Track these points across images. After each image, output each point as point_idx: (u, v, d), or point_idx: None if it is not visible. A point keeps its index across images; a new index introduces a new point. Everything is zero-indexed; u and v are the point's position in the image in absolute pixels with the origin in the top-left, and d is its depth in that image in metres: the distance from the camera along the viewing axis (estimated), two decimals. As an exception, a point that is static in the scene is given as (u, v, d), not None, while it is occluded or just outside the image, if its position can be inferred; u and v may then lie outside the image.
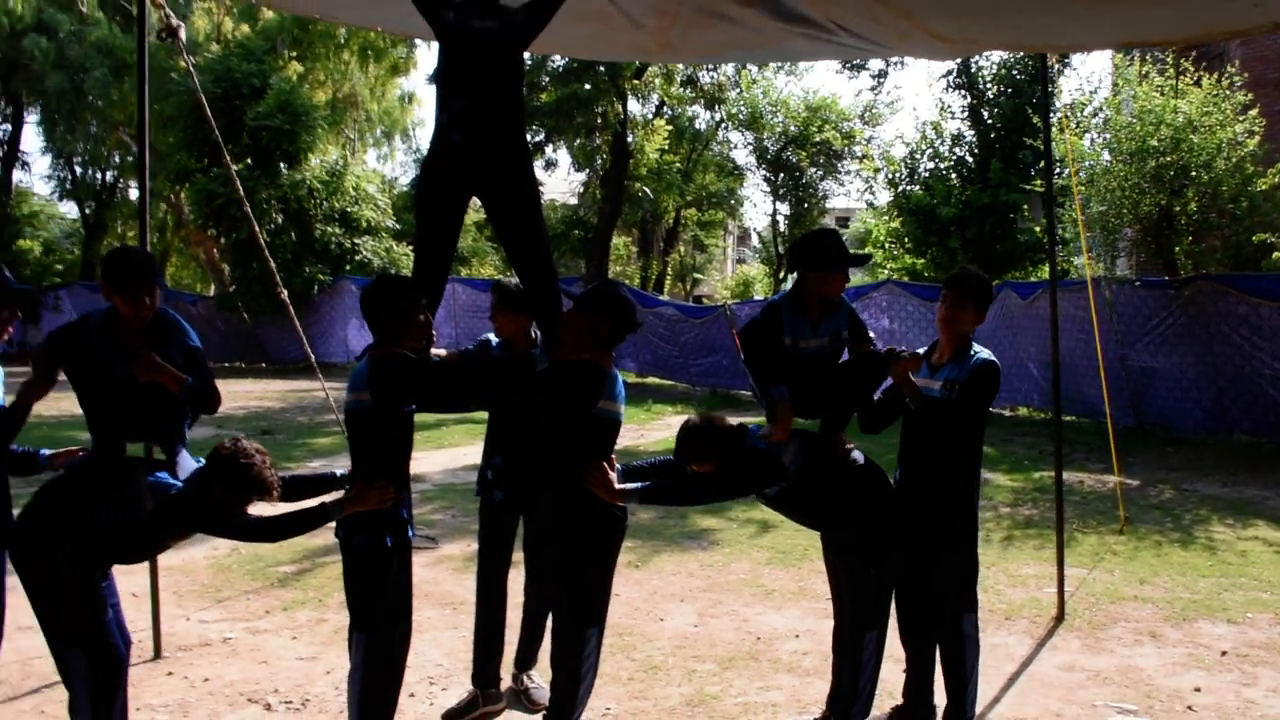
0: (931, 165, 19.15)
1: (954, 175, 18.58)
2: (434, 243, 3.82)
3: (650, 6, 4.81)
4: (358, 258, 23.28)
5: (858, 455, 4.01)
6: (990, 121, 18.46)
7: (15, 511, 3.71)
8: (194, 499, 3.38)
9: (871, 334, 4.24)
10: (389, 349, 3.50)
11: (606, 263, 23.50)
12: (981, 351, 4.06)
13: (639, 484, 3.72)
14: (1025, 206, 17.52)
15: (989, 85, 18.47)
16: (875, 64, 21.83)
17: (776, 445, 3.83)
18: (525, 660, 4.62)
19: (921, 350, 4.21)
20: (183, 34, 5.27)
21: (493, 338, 4.57)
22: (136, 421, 3.49)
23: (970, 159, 18.62)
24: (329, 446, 12.16)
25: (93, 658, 3.35)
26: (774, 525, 7.83)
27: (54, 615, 3.35)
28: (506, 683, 4.59)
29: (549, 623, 4.33)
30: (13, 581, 3.70)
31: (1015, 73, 17.96)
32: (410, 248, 24.64)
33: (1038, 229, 16.97)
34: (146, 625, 5.08)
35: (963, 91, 18.75)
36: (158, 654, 5.04)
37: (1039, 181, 16.27)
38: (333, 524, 3.50)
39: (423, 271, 3.79)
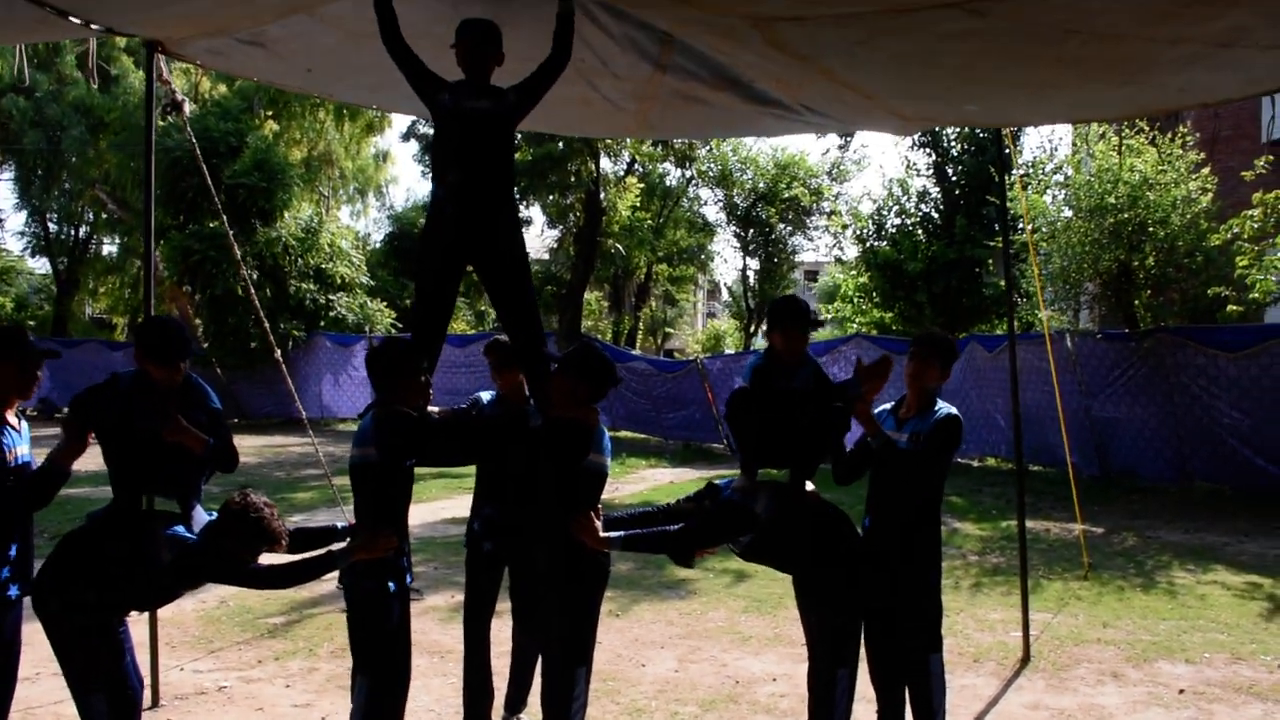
0: (898, 221, 19.67)
1: (920, 231, 19.09)
2: (431, 308, 4.08)
3: (630, 93, 5.14)
4: (332, 314, 23.39)
5: (824, 503, 4.24)
6: (955, 179, 19.03)
7: (37, 563, 3.89)
8: (208, 550, 3.58)
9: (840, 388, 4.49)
10: (392, 406, 3.72)
11: (579, 318, 23.78)
12: (946, 406, 4.34)
13: (620, 532, 3.94)
14: (990, 261, 18.04)
15: (953, 144, 19.06)
16: (847, 132, 22.44)
17: (747, 496, 4.07)
18: (515, 703, 4.81)
19: (889, 405, 4.51)
20: (187, 108, 5.52)
21: (484, 396, 4.81)
22: (159, 478, 3.68)
23: (936, 215, 19.16)
24: (308, 501, 12.25)
25: (113, 700, 3.54)
26: (749, 575, 8.03)
27: (76, 659, 3.53)
28: (498, 727, 4.76)
29: (537, 666, 4.55)
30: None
31: (979, 132, 18.56)
32: (384, 303, 24.88)
33: (1002, 283, 17.45)
34: (145, 675, 5.19)
35: (928, 150, 19.32)
36: (155, 703, 5.17)
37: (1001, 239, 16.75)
38: (325, 577, 3.70)
39: (421, 335, 4.03)
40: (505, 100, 4.01)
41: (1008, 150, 6.67)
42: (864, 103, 4.88)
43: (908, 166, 19.92)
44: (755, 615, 7.10)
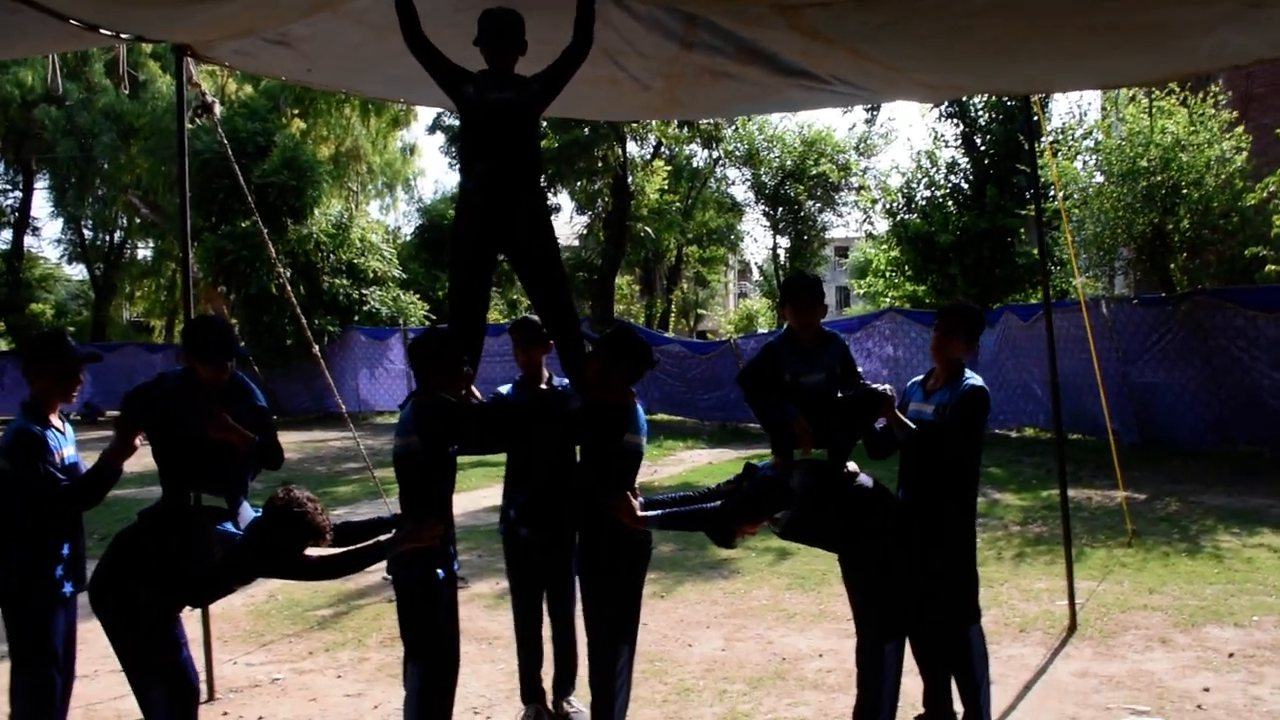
0: (928, 194, 19.48)
1: (950, 202, 18.90)
2: (467, 299, 4.13)
3: (657, 71, 5.15)
4: (365, 308, 23.54)
5: (864, 479, 4.25)
6: (984, 148, 18.83)
7: (90, 562, 4.00)
8: (256, 545, 3.65)
9: (860, 369, 4.50)
10: (432, 394, 3.78)
11: (611, 303, 23.82)
12: (972, 378, 4.34)
13: (659, 512, 3.98)
14: (1022, 230, 17.85)
15: (981, 113, 18.85)
16: (876, 103, 22.22)
17: (784, 472, 4.09)
18: (563, 686, 4.86)
19: (919, 378, 4.53)
20: (217, 110, 5.59)
21: (503, 389, 4.85)
22: (207, 475, 3.75)
23: (966, 186, 18.97)
24: (350, 494, 12.40)
25: (174, 693, 3.64)
26: (792, 553, 8.05)
27: (135, 654, 3.63)
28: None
29: (579, 651, 4.64)
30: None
31: (1007, 100, 18.32)
32: (417, 296, 25.01)
33: (1035, 252, 17.27)
34: (200, 669, 5.30)
35: (955, 120, 19.12)
36: (211, 696, 5.27)
37: (1034, 206, 16.57)
38: (371, 568, 3.77)
39: (460, 326, 4.09)
40: (529, 90, 4.04)
41: (1036, 118, 6.59)
42: (891, 75, 4.86)
43: (935, 138, 19.72)
44: (799, 592, 7.13)
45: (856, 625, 4.33)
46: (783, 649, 5.90)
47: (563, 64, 4.11)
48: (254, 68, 5.71)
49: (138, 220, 30.91)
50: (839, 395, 4.30)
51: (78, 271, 37.43)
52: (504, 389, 4.84)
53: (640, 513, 3.88)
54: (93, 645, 3.68)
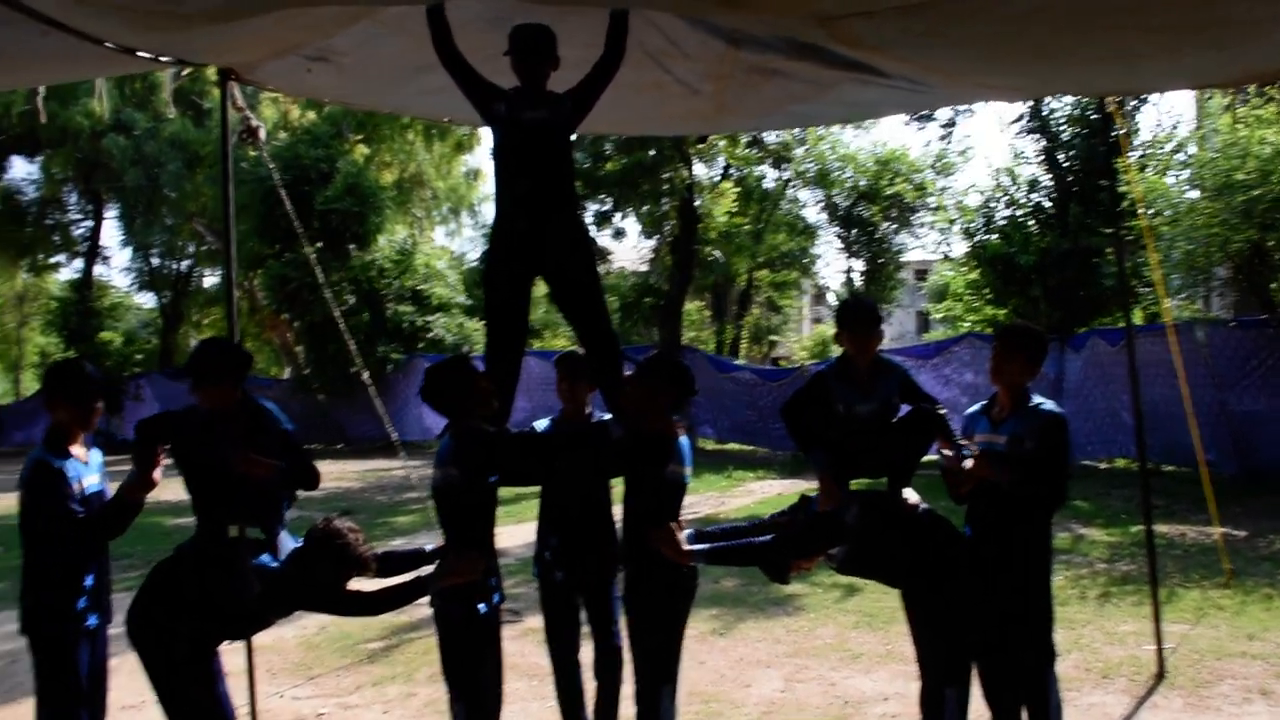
0: (1008, 213, 18.91)
1: (1032, 221, 18.31)
2: (504, 321, 3.98)
3: (704, 72, 4.94)
4: (430, 335, 23.57)
5: (925, 510, 3.96)
6: (1066, 165, 18.21)
7: (112, 594, 3.89)
8: (296, 578, 3.51)
9: (933, 398, 4.18)
10: (468, 423, 3.61)
11: (679, 329, 23.53)
12: (1045, 403, 4.02)
13: (707, 545, 3.76)
14: (1108, 250, 17.19)
15: (1062, 127, 18.24)
16: (944, 113, 21.75)
17: (839, 507, 3.83)
18: None
19: (978, 407, 4.21)
20: (262, 134, 5.54)
21: (539, 424, 4.64)
22: (240, 506, 3.64)
23: (1048, 204, 18.37)
24: (410, 524, 12.33)
25: None
26: (860, 589, 7.69)
27: (170, 688, 3.53)
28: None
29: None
30: (115, 662, 3.87)
31: (1089, 113, 17.71)
32: (483, 322, 25.05)
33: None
34: (243, 702, 5.18)
35: (1036, 135, 18.54)
36: (254, 732, 5.14)
37: (1117, 225, 15.95)
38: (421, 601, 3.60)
39: (496, 349, 3.94)
40: (562, 107, 3.91)
41: (1118, 131, 6.19)
42: (947, 77, 4.57)
43: (1015, 154, 19.18)
44: (866, 631, 6.78)
45: (920, 667, 4.03)
46: (846, 691, 5.57)
47: (595, 78, 3.97)
48: (299, 90, 5.66)
49: (203, 248, 31.55)
50: (896, 419, 4.04)
51: (147, 300, 38.41)
52: (540, 424, 4.63)
53: (686, 546, 3.66)
54: (139, 675, 3.58)
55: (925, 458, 4.14)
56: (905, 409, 4.08)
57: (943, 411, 4.00)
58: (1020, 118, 18.74)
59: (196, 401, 3.73)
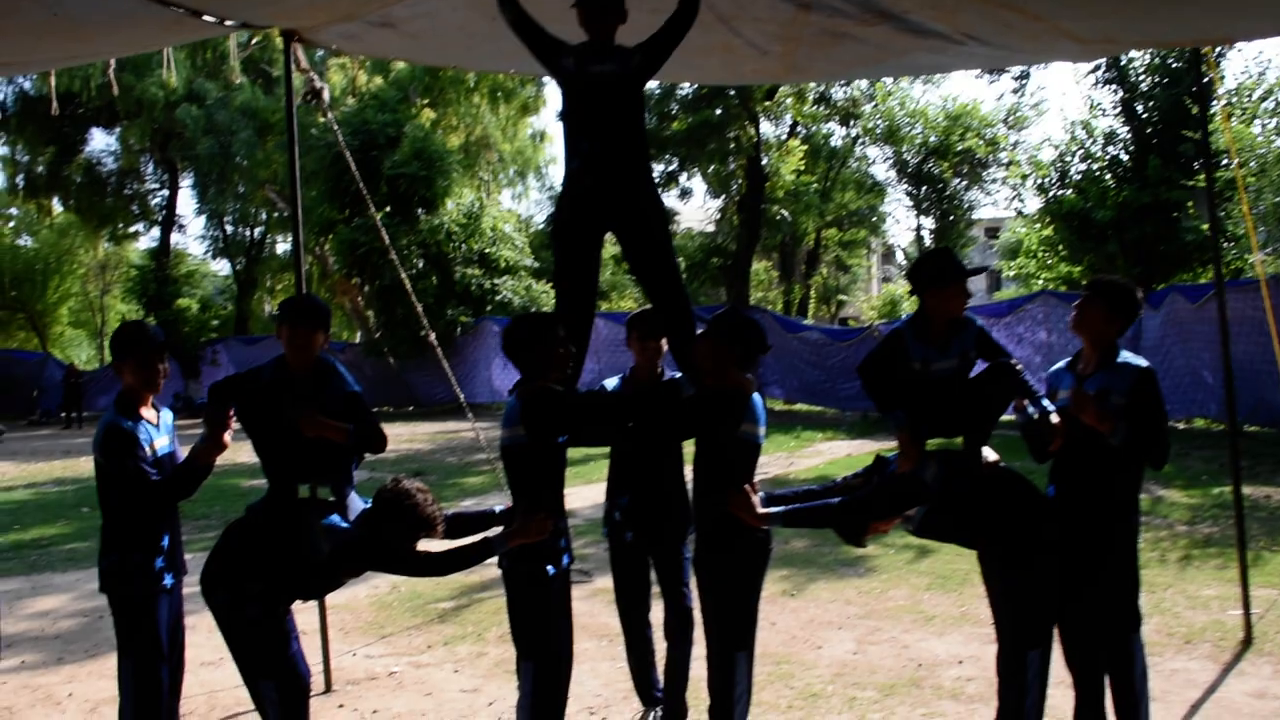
0: (1083, 167, 18.40)
1: (1108, 176, 17.79)
2: (574, 282, 3.93)
3: (774, 34, 4.82)
4: (498, 298, 23.70)
5: (1005, 469, 3.86)
6: (1145, 116, 17.61)
7: (187, 553, 3.98)
8: (365, 539, 3.55)
9: (1009, 352, 4.06)
10: (537, 384, 3.59)
11: (747, 289, 23.39)
12: (1133, 359, 3.86)
13: (783, 508, 3.69)
14: (1189, 204, 16.62)
15: (1141, 77, 17.62)
16: (1014, 67, 21.10)
17: (917, 466, 3.74)
18: (676, 712, 4.52)
19: (1064, 363, 4.07)
20: (326, 95, 5.56)
21: (609, 382, 4.60)
22: (308, 467, 3.68)
23: (1125, 157, 17.81)
24: (480, 485, 12.48)
25: (284, 687, 3.60)
26: (933, 550, 7.60)
27: (244, 647, 3.61)
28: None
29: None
30: (192, 620, 3.97)
31: (1170, 61, 17.07)
32: (550, 284, 25.10)
33: (1204, 227, 16.04)
34: (317, 660, 5.29)
35: (1113, 86, 17.96)
36: (328, 688, 5.25)
37: (1203, 176, 15.37)
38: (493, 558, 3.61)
39: (566, 311, 3.89)
40: (631, 61, 3.81)
41: (1208, 78, 5.87)
42: (1032, 26, 4.37)
43: (1091, 106, 18.60)
44: (939, 593, 6.69)
45: (997, 630, 3.93)
46: (919, 654, 5.50)
47: (668, 33, 3.85)
48: (363, 50, 5.65)
49: (275, 215, 32.11)
50: (973, 375, 3.91)
51: (221, 267, 39.23)
52: (610, 382, 4.59)
53: (761, 509, 3.60)
54: (216, 633, 3.68)
55: (1003, 417, 4.03)
56: (981, 365, 3.96)
57: (1019, 367, 3.87)
58: (1097, 68, 18.14)
59: (274, 363, 3.78)
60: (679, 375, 4.23)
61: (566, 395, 3.66)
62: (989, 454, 3.85)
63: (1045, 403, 3.89)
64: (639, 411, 3.97)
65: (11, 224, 43.07)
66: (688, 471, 4.03)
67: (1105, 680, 3.95)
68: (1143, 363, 3.85)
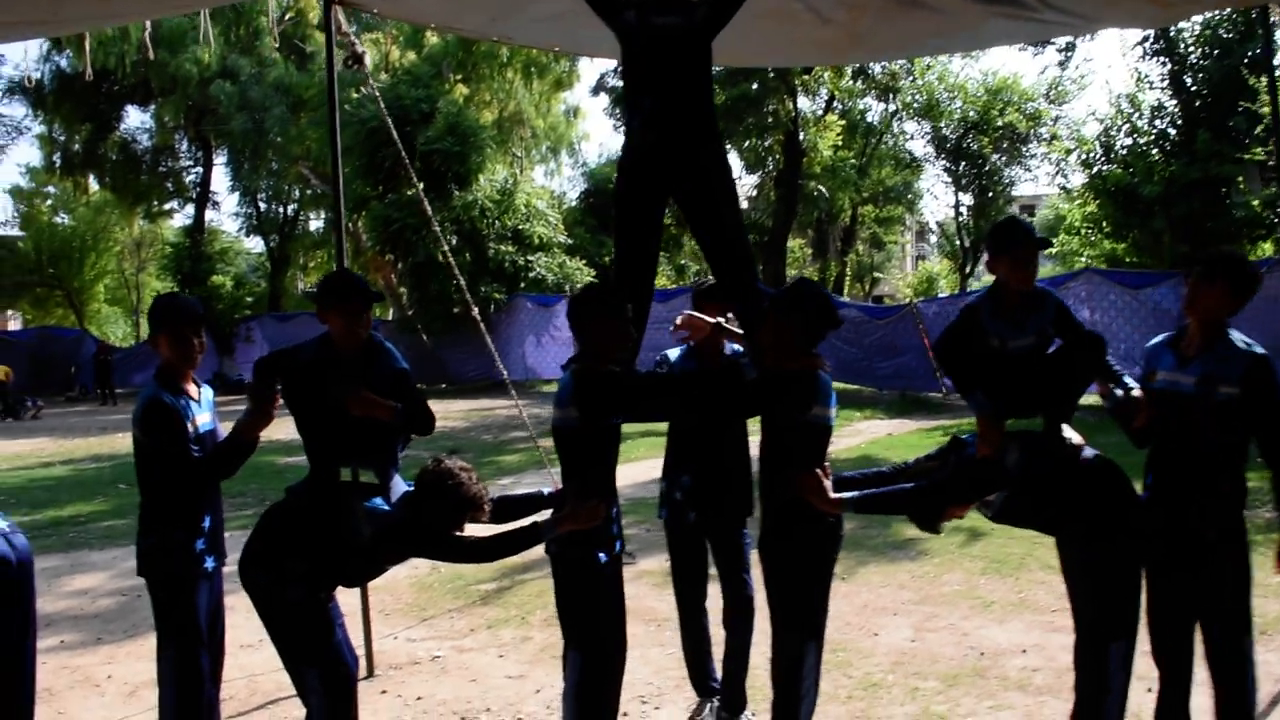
0: (1129, 141, 17.96)
1: (1155, 150, 17.35)
2: (635, 248, 3.73)
3: (838, 0, 4.58)
4: (531, 274, 23.59)
5: (1089, 452, 3.63)
6: (1194, 88, 17.13)
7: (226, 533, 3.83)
8: (409, 523, 3.38)
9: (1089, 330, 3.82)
10: (592, 363, 3.41)
11: (783, 266, 23.15)
12: (1244, 341, 3.52)
13: (854, 493, 3.49)
14: (1240, 179, 16.17)
15: (1191, 49, 17.14)
16: (1062, 38, 20.62)
17: (998, 450, 3.53)
18: (735, 703, 4.32)
19: (1163, 338, 3.79)
20: (367, 60, 5.38)
21: (672, 353, 4.39)
22: (352, 448, 3.49)
23: (1173, 131, 17.35)
24: (516, 464, 12.36)
25: (328, 675, 3.41)
26: (985, 533, 7.38)
27: (288, 636, 3.42)
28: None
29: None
30: (230, 601, 3.82)
31: (1222, 31, 16.58)
32: (583, 262, 24.93)
33: (1256, 202, 15.60)
34: (359, 644, 5.16)
35: (1161, 59, 17.48)
36: (370, 672, 5.12)
37: (1257, 150, 14.93)
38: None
39: (626, 279, 3.69)
40: (695, 13, 3.59)
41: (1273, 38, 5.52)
42: (1109, 5, 4.12)
43: (1138, 79, 18.12)
44: (995, 578, 6.48)
45: (1075, 619, 3.71)
46: (980, 642, 5.31)
47: None
48: (402, 14, 5.46)
49: (308, 192, 32.12)
50: (1051, 350, 3.68)
51: (255, 244, 39.40)
52: (672, 353, 4.36)
53: (833, 494, 3.41)
54: (255, 615, 3.55)
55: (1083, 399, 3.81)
56: (1058, 343, 3.74)
57: (1101, 343, 3.64)
58: (1145, 39, 17.68)
59: (318, 340, 3.60)
60: (742, 352, 4.04)
61: (622, 377, 3.47)
62: (1072, 435, 3.63)
63: (1127, 380, 3.66)
64: (699, 394, 3.77)
65: (49, 202, 43.55)
66: (752, 448, 3.84)
67: (1191, 680, 3.72)
68: (1257, 348, 3.50)
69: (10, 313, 42.79)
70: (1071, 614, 3.74)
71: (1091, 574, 3.58)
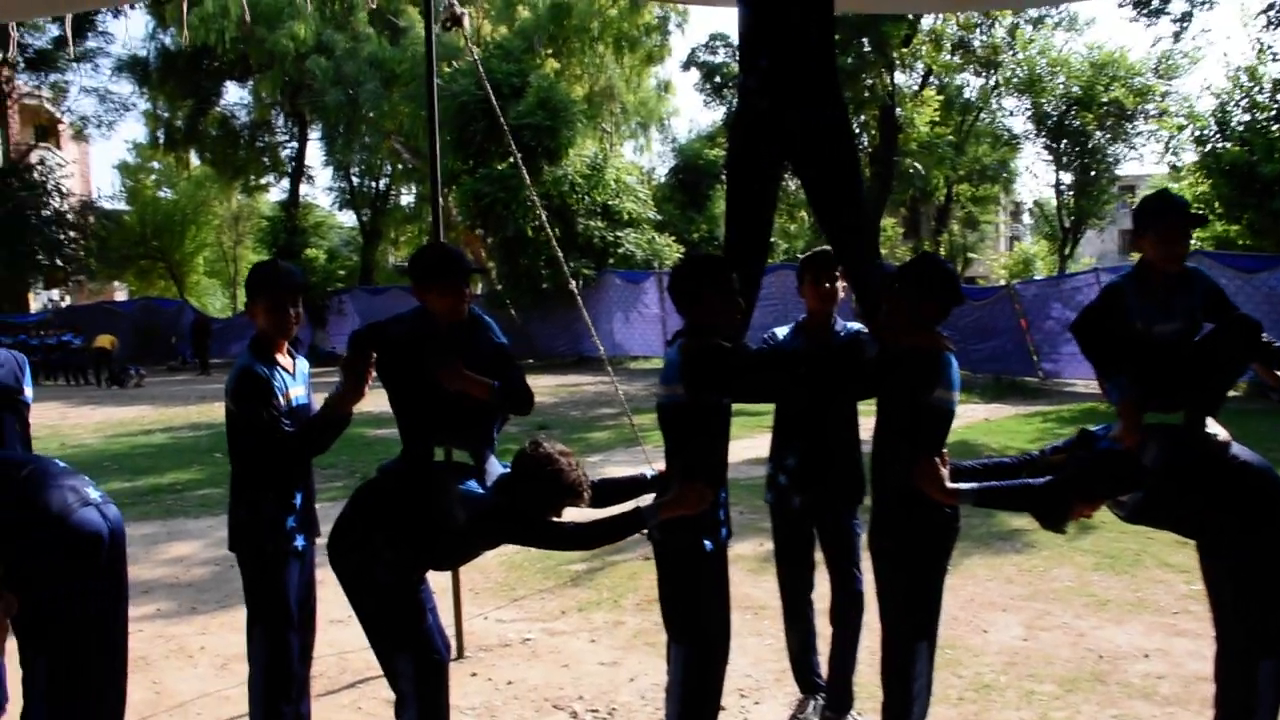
0: (1247, 117, 17.05)
1: (1276, 127, 16.43)
2: (748, 216, 3.51)
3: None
4: (620, 250, 23.47)
5: (1237, 450, 3.33)
6: (1322, 60, 16.20)
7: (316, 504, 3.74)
8: (503, 507, 3.23)
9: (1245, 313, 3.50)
10: (700, 338, 3.21)
11: (878, 244, 22.66)
12: None
13: (974, 484, 3.25)
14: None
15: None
16: (1177, 7, 19.64)
17: (1137, 446, 3.25)
18: (841, 702, 4.13)
19: None
20: (466, 22, 5.23)
21: (779, 331, 4.16)
22: (448, 426, 3.36)
23: (1297, 106, 16.43)
24: (606, 440, 12.24)
25: (420, 661, 3.29)
26: (1095, 526, 7.01)
27: (379, 620, 3.31)
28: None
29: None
30: (320, 574, 3.73)
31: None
32: (672, 238, 24.72)
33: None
34: (449, 624, 5.07)
35: (1286, 28, 16.57)
36: (460, 654, 5.03)
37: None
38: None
39: (738, 250, 3.49)
40: None
41: None
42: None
43: (1260, 50, 17.16)
44: (1109, 574, 6.14)
45: (1218, 630, 3.43)
46: (1097, 644, 5.00)
47: None
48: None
49: (400, 166, 32.45)
50: (1200, 337, 3.38)
51: (347, 218, 40.04)
52: (780, 331, 4.13)
53: (950, 484, 3.17)
54: (322, 597, 3.46)
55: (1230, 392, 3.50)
56: (1208, 327, 3.43)
57: (1258, 326, 3.32)
58: (1269, 7, 16.73)
59: (414, 314, 3.46)
60: (855, 326, 3.81)
61: (732, 352, 3.26)
62: (1217, 429, 3.33)
63: None
64: (816, 372, 3.54)
65: (153, 177, 44.97)
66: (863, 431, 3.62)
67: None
68: None
69: (116, 284, 44.30)
70: (1214, 624, 3.46)
71: (1240, 583, 3.29)
